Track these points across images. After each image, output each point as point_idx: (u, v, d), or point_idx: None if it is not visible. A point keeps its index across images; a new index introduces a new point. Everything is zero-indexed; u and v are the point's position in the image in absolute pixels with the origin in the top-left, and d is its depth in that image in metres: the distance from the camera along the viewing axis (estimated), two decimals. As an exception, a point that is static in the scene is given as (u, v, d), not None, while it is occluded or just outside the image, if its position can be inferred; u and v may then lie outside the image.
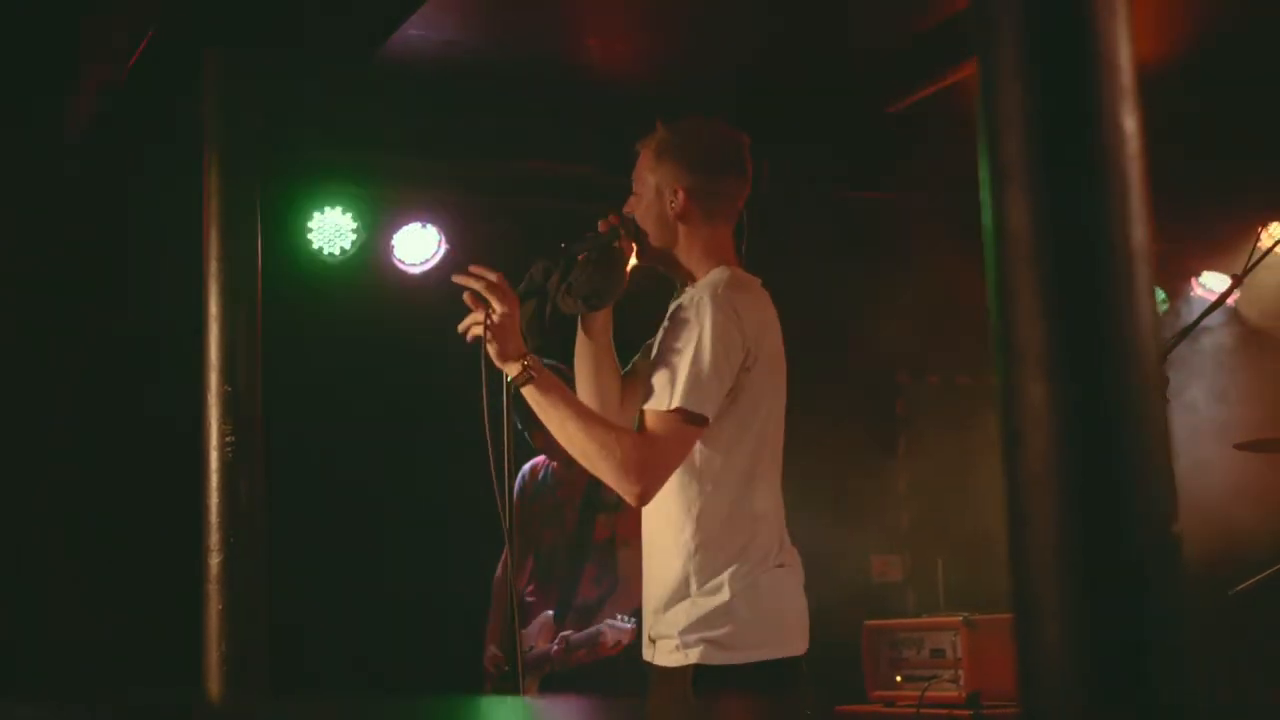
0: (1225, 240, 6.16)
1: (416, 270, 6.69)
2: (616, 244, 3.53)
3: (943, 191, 6.71)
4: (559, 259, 3.51)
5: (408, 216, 6.69)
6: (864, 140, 6.92)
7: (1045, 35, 1.59)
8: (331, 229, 6.50)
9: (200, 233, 4.42)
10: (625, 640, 5.41)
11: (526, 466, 5.83)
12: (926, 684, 5.55)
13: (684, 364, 3.35)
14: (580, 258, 3.51)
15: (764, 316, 3.50)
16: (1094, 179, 1.56)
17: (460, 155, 6.68)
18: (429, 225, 6.71)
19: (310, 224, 6.46)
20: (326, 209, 6.48)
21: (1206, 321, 4.87)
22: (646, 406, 3.40)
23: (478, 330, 3.43)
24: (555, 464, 5.75)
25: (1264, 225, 5.66)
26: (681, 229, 3.55)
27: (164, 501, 5.20)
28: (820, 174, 7.14)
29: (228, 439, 4.21)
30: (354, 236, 6.52)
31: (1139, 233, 1.56)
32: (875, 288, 6.98)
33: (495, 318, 3.40)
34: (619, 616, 5.45)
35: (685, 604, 3.44)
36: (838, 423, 7.00)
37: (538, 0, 5.84)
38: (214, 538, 4.23)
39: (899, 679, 5.79)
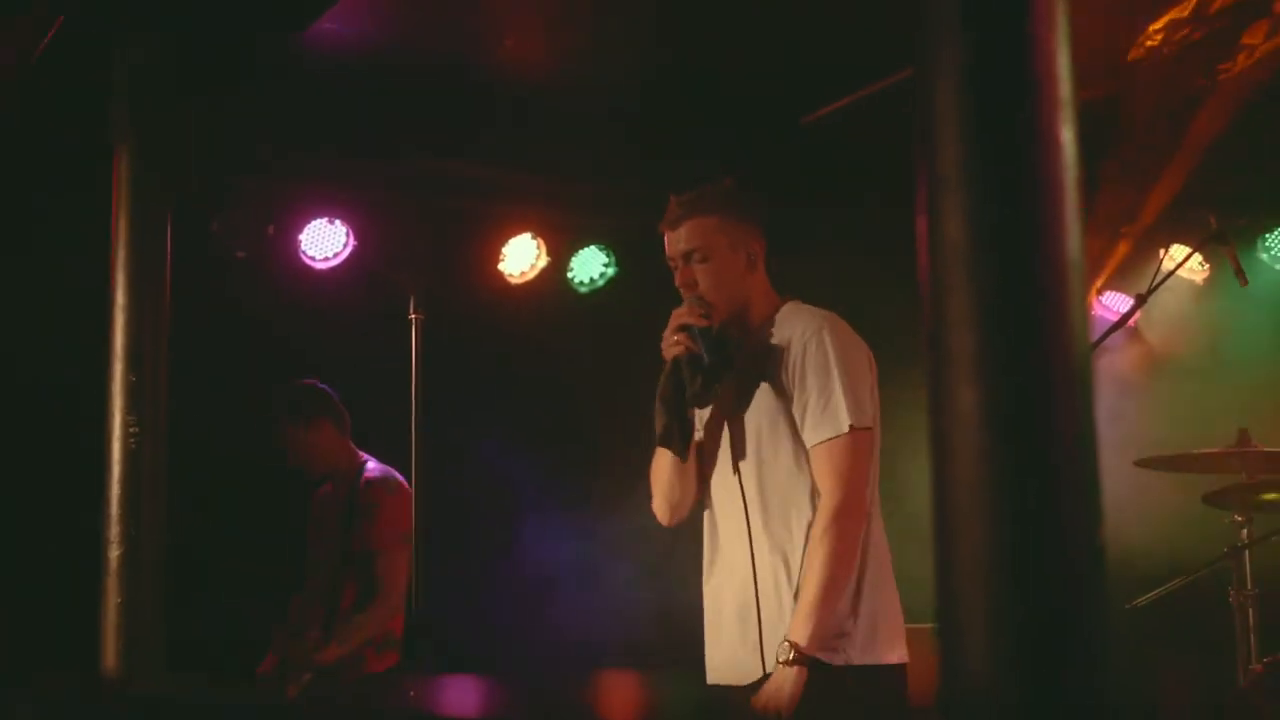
0: (1128, 261, 6.22)
1: (323, 265, 6.64)
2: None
3: (856, 204, 6.78)
4: (678, 364, 3.78)
5: (315, 211, 6.64)
6: (776, 151, 6.94)
7: (984, 46, 1.60)
8: (239, 222, 6.43)
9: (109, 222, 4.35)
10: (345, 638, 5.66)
11: (320, 489, 6.06)
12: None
13: (833, 385, 3.65)
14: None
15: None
16: (1030, 189, 1.57)
17: (370, 152, 6.64)
18: (336, 221, 6.67)
19: (217, 215, 6.39)
20: (234, 201, 6.41)
21: (1107, 342, 4.94)
22: (813, 443, 3.66)
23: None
24: (330, 486, 6.00)
25: (1166, 247, 5.73)
26: (750, 282, 3.84)
27: (65, 492, 5.14)
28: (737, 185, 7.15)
29: (131, 429, 4.15)
30: (260, 230, 6.46)
31: (1073, 243, 1.58)
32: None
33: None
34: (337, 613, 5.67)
35: None
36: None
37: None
38: (114, 530, 4.15)
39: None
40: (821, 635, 3.55)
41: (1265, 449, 5.10)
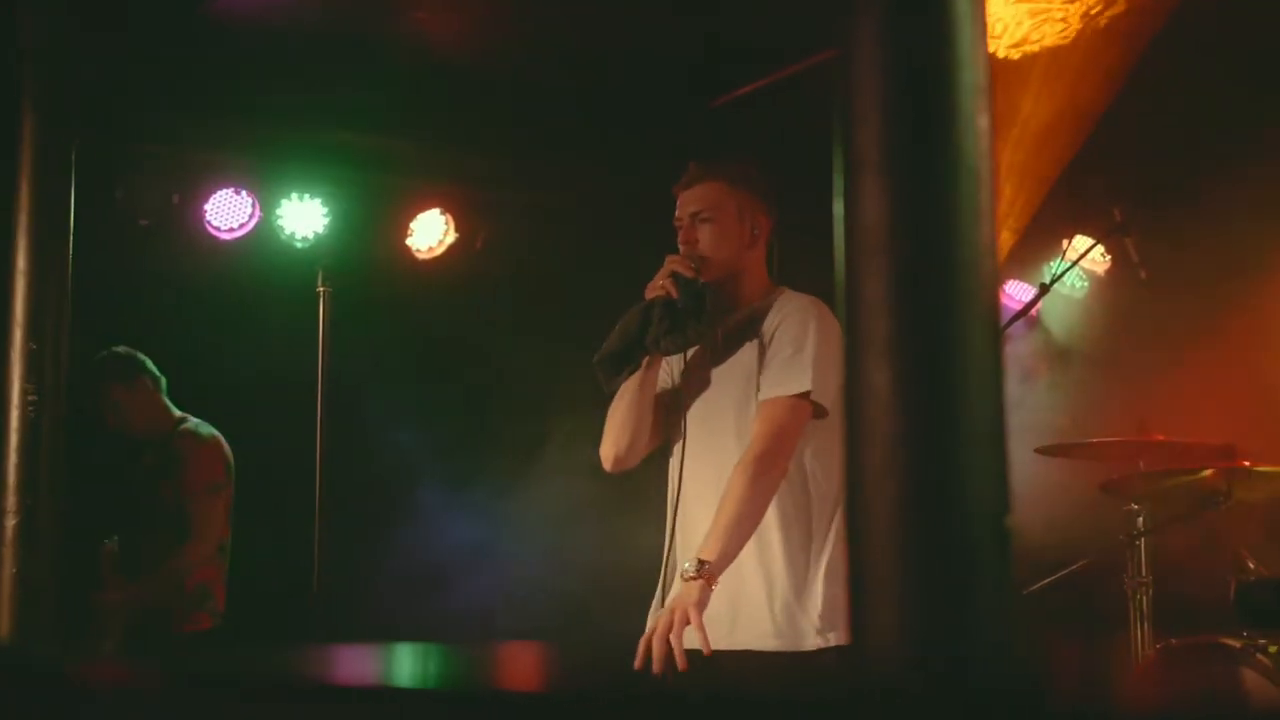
0: (1031, 249, 6.28)
1: (228, 237, 6.58)
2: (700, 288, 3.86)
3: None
4: (653, 304, 3.84)
5: (221, 182, 6.57)
6: (687, 132, 6.94)
7: (902, 29, 1.61)
8: (143, 190, 6.36)
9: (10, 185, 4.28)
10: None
11: None
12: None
13: (804, 355, 3.73)
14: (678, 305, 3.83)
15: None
16: (946, 173, 1.58)
17: (278, 123, 6.58)
18: (243, 192, 6.61)
19: (120, 183, 6.31)
20: (138, 168, 6.34)
21: (1009, 330, 4.98)
22: (766, 396, 3.75)
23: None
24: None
25: (1069, 237, 5.79)
26: (748, 258, 3.96)
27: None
28: (644, 163, 7.15)
29: (30, 398, 4.09)
30: (165, 199, 6.39)
31: (986, 228, 1.59)
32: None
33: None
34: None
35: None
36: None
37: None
38: (10, 500, 4.09)
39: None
40: (727, 557, 3.63)
41: (1162, 439, 5.17)
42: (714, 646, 3.57)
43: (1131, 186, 5.58)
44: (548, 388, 6.81)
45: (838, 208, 1.63)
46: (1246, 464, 4.82)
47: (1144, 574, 5.03)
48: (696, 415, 3.96)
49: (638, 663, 3.63)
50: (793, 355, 3.76)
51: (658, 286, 3.84)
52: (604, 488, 6.16)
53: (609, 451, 4.06)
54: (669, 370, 4.06)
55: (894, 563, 1.54)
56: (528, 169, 7.19)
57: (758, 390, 3.81)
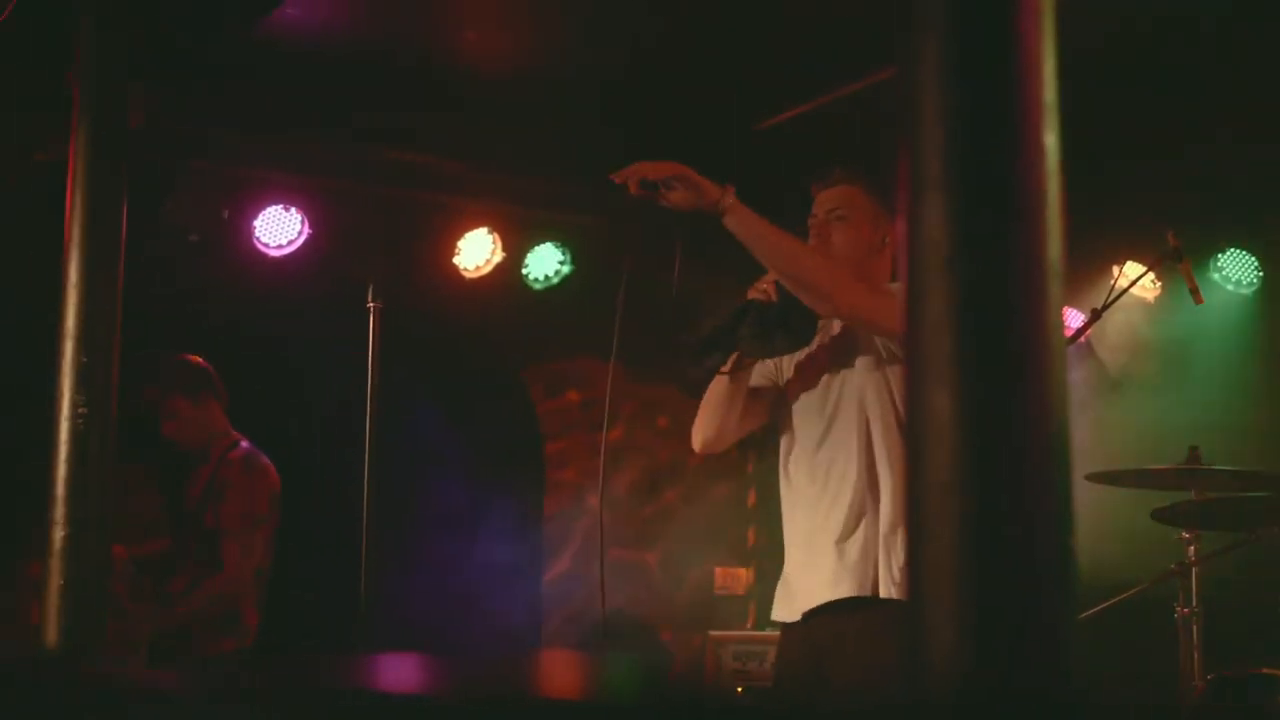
0: (1081, 276, 6.24)
1: (278, 253, 6.59)
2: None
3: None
4: (750, 304, 3.89)
5: (271, 198, 6.59)
6: (732, 155, 6.92)
7: (969, 45, 1.59)
8: (193, 207, 6.38)
9: (64, 198, 4.30)
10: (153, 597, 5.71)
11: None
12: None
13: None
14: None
15: None
16: (1011, 191, 1.56)
17: (327, 140, 6.59)
18: (292, 209, 6.62)
19: (168, 200, 6.33)
20: (188, 185, 6.36)
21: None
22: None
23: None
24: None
25: (1120, 263, 5.75)
26: (874, 264, 4.08)
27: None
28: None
29: (80, 410, 4.10)
30: (216, 214, 6.41)
31: (1053, 248, 1.57)
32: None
33: (673, 182, 3.91)
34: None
35: None
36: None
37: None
38: (59, 511, 4.10)
39: (740, 690, 5.82)
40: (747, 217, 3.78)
41: (1214, 467, 5.12)
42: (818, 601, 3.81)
43: (1184, 211, 5.53)
44: (596, 404, 6.81)
45: (901, 226, 1.61)
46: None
47: (1195, 604, 4.98)
48: (808, 409, 4.02)
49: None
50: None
51: (760, 289, 3.91)
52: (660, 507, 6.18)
53: (699, 436, 4.18)
54: (776, 363, 4.14)
55: (956, 587, 1.52)
56: (574, 189, 7.19)
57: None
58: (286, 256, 6.58)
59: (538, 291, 7.10)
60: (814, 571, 3.94)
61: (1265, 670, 4.71)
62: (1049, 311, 1.55)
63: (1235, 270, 6.68)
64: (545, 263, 7.18)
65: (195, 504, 5.86)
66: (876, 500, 3.87)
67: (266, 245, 6.58)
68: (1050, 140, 1.58)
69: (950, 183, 1.58)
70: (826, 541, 3.90)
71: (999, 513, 1.52)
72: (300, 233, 6.62)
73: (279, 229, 6.60)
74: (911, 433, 1.57)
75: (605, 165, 6.88)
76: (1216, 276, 6.67)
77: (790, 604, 4.06)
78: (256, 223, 6.55)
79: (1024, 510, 1.52)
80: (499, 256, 7.07)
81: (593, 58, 6.25)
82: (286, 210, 6.61)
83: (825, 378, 4.03)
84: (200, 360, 6.01)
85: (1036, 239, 1.56)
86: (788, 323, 3.85)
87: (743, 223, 3.75)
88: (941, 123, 1.59)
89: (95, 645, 4.09)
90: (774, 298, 3.86)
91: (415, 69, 6.24)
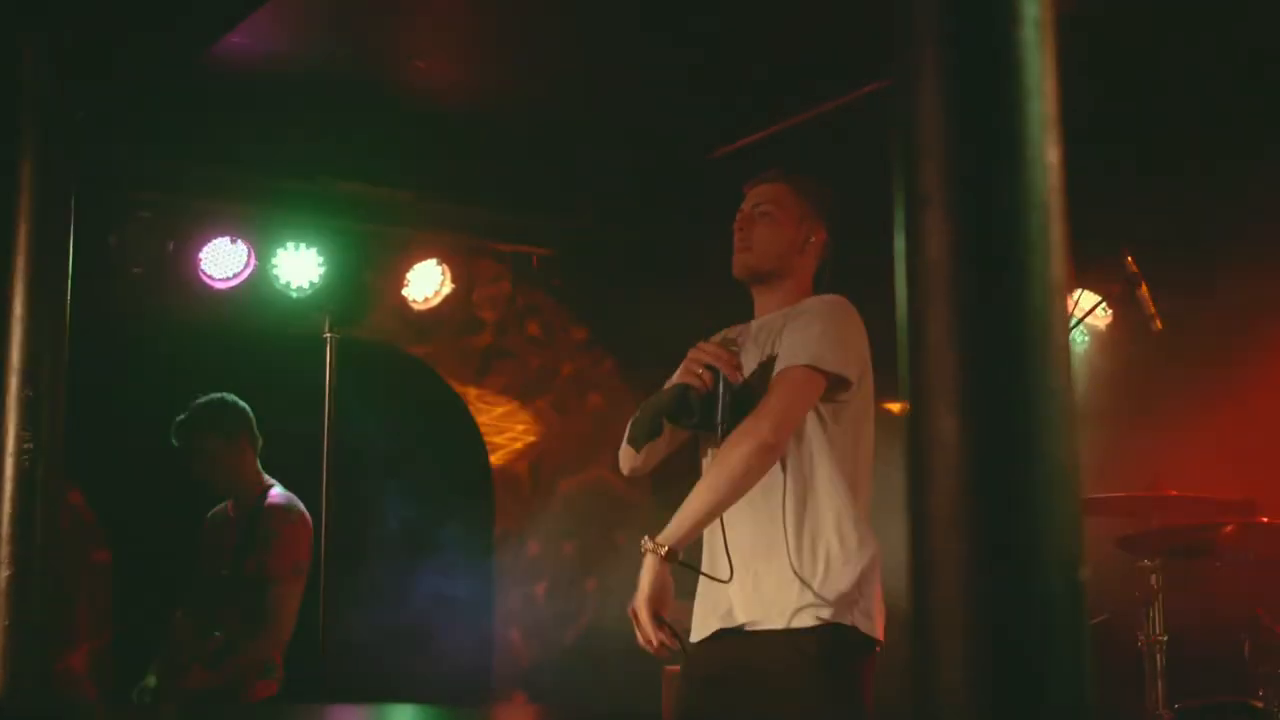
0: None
1: (224, 285, 6.51)
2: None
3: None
4: (687, 392, 3.81)
5: (217, 230, 6.50)
6: (679, 183, 6.89)
7: (968, 58, 1.54)
8: (137, 238, 6.28)
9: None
10: (211, 658, 5.55)
11: (216, 509, 5.87)
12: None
13: (813, 330, 3.76)
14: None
15: (866, 343, 3.89)
16: (1014, 208, 1.50)
17: (274, 171, 6.52)
18: (239, 241, 6.54)
19: (113, 231, 6.23)
20: (132, 217, 6.26)
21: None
22: (778, 369, 3.74)
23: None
24: (229, 505, 5.87)
25: (1073, 292, 5.72)
26: (796, 262, 4.00)
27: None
28: (639, 213, 7.10)
29: (25, 446, 3.99)
30: (159, 247, 6.32)
31: (1057, 266, 1.51)
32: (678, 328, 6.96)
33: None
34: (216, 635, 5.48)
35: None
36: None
37: (366, 17, 5.70)
38: (3, 550, 3.99)
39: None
40: (679, 538, 3.64)
41: (1175, 494, 5.09)
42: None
43: (1143, 234, 5.51)
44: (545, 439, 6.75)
45: (898, 243, 1.55)
46: (1265, 520, 4.73)
47: (1159, 632, 4.93)
48: (729, 413, 3.88)
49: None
50: (804, 329, 3.78)
51: (695, 373, 3.82)
52: (599, 540, 6.11)
53: (627, 463, 4.10)
54: None
55: (963, 620, 1.46)
56: (523, 221, 7.14)
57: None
58: (233, 288, 6.50)
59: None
60: (724, 592, 3.84)
61: (1230, 699, 4.68)
62: (1056, 332, 1.50)
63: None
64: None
65: (231, 551, 5.72)
66: (800, 526, 3.77)
67: (212, 278, 6.49)
68: (1053, 155, 1.53)
69: (950, 200, 1.52)
70: (740, 562, 3.80)
71: (1009, 546, 1.46)
72: (246, 265, 6.54)
73: (225, 261, 6.52)
74: (915, 461, 1.50)
75: (554, 196, 6.88)
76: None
77: (699, 623, 3.95)
78: (202, 255, 6.47)
79: (1035, 542, 1.46)
80: (448, 288, 7.00)
81: (542, 89, 6.20)
82: (233, 243, 6.53)
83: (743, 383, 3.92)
84: (237, 400, 5.87)
85: (1042, 256, 1.51)
86: (733, 411, 3.78)
87: (682, 537, 3.67)
88: (940, 138, 1.53)
89: (41, 688, 3.98)
90: (708, 383, 3.80)
91: (362, 98, 6.17)
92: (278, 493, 5.79)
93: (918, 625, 1.49)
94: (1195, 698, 4.81)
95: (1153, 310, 4.87)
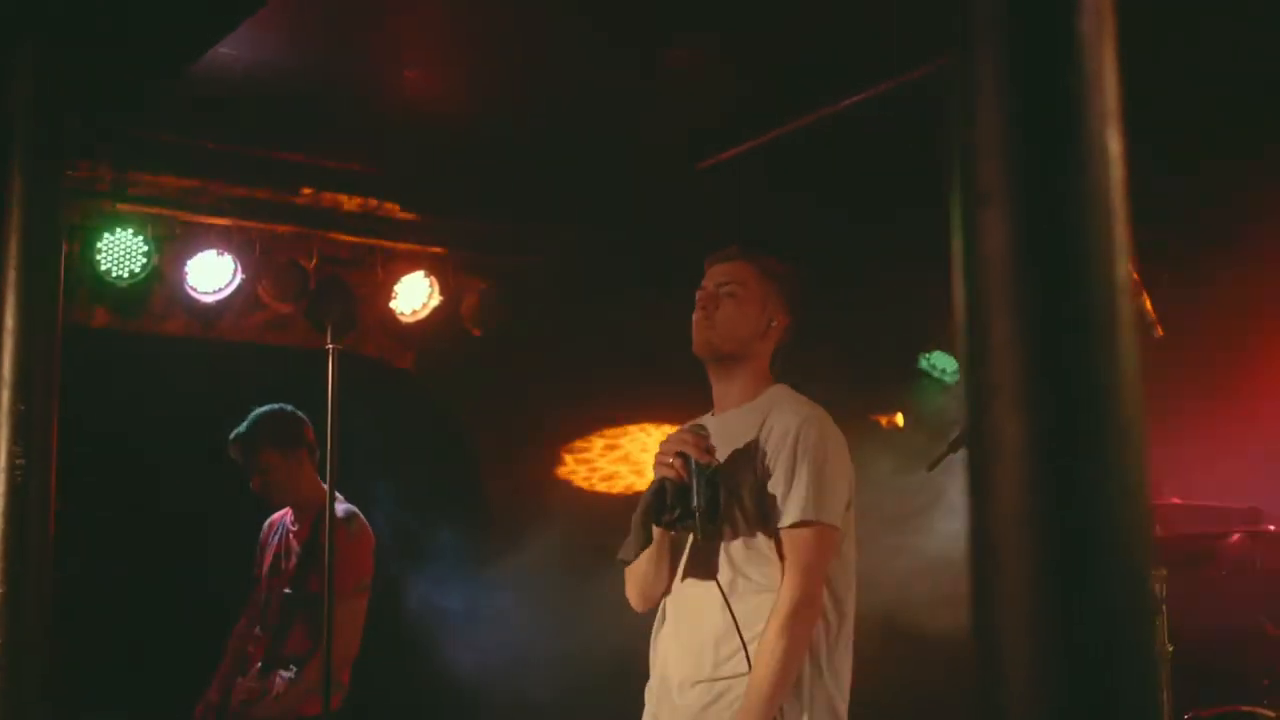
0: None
1: (210, 299, 6.44)
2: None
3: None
4: (664, 486, 3.77)
5: (203, 243, 6.44)
6: (669, 194, 6.85)
7: (1028, 49, 1.49)
8: (121, 250, 6.21)
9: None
10: (282, 691, 5.39)
11: (275, 515, 5.79)
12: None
13: (807, 479, 3.72)
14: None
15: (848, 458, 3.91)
16: (1077, 204, 1.45)
17: (262, 183, 6.46)
18: (226, 254, 6.47)
19: (100, 244, 6.16)
20: (118, 229, 6.19)
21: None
22: (783, 525, 3.72)
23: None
24: (289, 514, 5.78)
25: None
26: (757, 347, 3.96)
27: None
28: (624, 225, 7.06)
29: (18, 460, 3.92)
30: (144, 260, 6.25)
31: (1121, 263, 1.46)
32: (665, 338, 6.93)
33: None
34: (290, 668, 5.39)
35: None
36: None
37: (355, 28, 5.64)
38: (-5, 566, 3.93)
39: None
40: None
41: (1179, 502, 5.05)
42: None
43: (1142, 239, 5.47)
44: (532, 450, 6.72)
45: (956, 244, 1.50)
46: (1271, 528, 4.70)
47: (1164, 643, 4.88)
48: (705, 496, 3.84)
49: None
50: (807, 481, 3.75)
51: (666, 465, 3.78)
52: (590, 553, 6.07)
53: (637, 599, 4.05)
54: None
55: (1028, 629, 1.41)
56: (511, 231, 7.09)
57: (776, 501, 3.78)
58: (220, 301, 6.44)
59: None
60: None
61: (1239, 708, 4.64)
62: (1123, 331, 1.45)
63: None
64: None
65: (293, 563, 5.62)
66: (735, 648, 3.78)
67: (198, 291, 6.43)
68: (1114, 147, 1.48)
69: (1011, 197, 1.47)
70: (685, 681, 3.84)
71: (1077, 554, 1.41)
72: (234, 277, 6.48)
73: (212, 274, 6.46)
74: (977, 468, 1.45)
75: (541, 207, 6.82)
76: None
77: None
78: (189, 267, 6.40)
79: (1104, 551, 1.41)
80: (436, 300, 6.95)
81: (531, 99, 6.16)
82: (220, 255, 6.47)
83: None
84: (295, 412, 5.76)
85: (1105, 253, 1.46)
86: (711, 494, 3.75)
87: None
88: (1000, 134, 1.48)
89: (34, 708, 3.91)
90: (683, 475, 3.76)
91: (352, 110, 6.12)
92: (341, 505, 5.66)
93: (980, 633, 1.44)
94: (1202, 709, 4.77)
95: (1154, 317, 4.82)
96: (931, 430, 4.06)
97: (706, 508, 3.72)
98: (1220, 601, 5.08)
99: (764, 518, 3.78)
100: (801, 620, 3.67)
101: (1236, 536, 4.67)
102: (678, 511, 3.76)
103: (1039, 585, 1.41)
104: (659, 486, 3.80)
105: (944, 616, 5.42)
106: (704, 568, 3.83)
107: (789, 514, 3.73)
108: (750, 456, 3.83)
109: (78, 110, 4.56)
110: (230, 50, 5.47)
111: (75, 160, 4.78)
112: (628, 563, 3.96)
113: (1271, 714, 4.54)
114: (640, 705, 3.97)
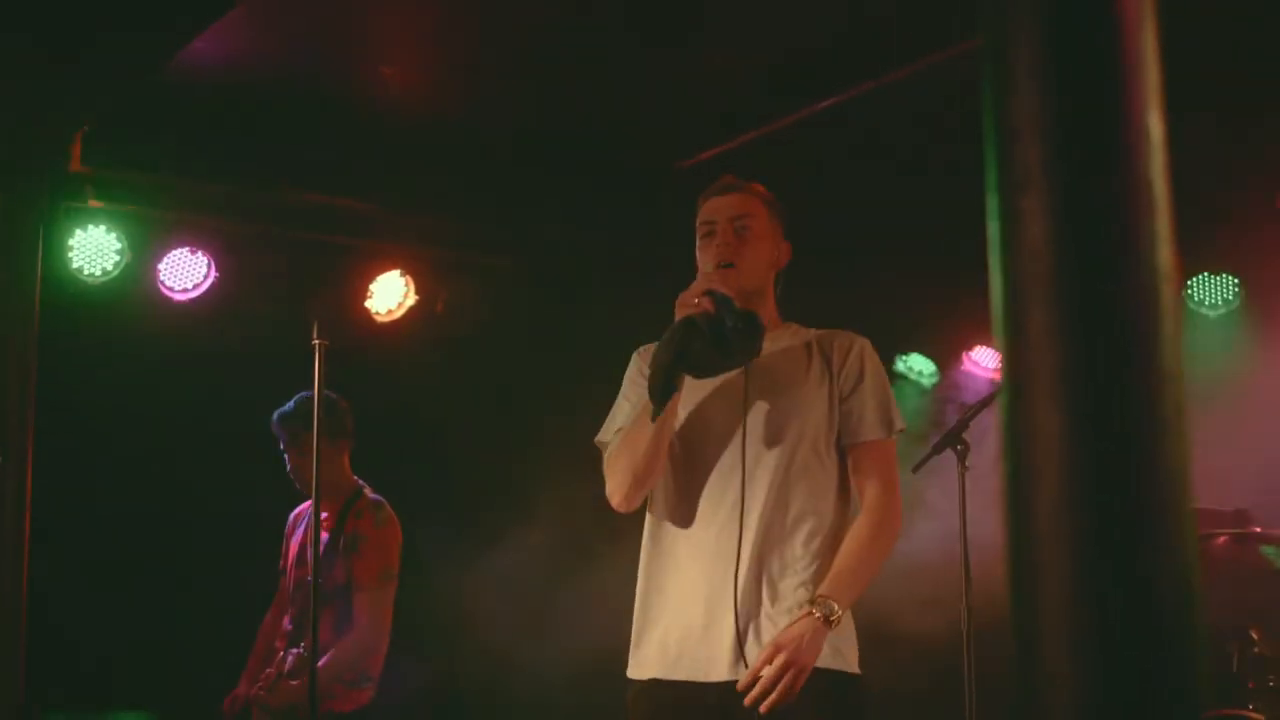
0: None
1: (183, 297, 6.36)
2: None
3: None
4: (691, 322, 3.50)
5: (177, 241, 6.36)
6: (650, 193, 6.81)
7: (1066, 27, 1.44)
8: (94, 248, 6.12)
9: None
10: (296, 668, 5.41)
11: (300, 507, 5.72)
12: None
13: (884, 395, 3.75)
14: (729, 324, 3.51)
15: None
16: (1118, 189, 1.41)
17: (236, 180, 6.39)
18: (199, 252, 6.39)
19: (71, 241, 6.07)
20: (90, 227, 6.10)
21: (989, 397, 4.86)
22: (869, 439, 3.71)
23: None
24: (321, 500, 5.62)
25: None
26: (771, 278, 3.84)
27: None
28: (604, 224, 7.02)
29: (-5, 461, 3.87)
30: (117, 258, 6.16)
31: (1164, 250, 1.42)
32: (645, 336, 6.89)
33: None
34: (301, 646, 5.33)
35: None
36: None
37: (332, 25, 5.58)
38: (-27, 564, 3.88)
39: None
40: (848, 603, 3.59)
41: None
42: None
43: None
44: (510, 450, 6.68)
45: (993, 230, 1.46)
46: (1258, 530, 4.68)
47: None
48: (752, 426, 3.69)
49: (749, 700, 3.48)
50: (885, 397, 3.76)
51: (693, 303, 3.55)
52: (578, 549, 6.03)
53: (625, 484, 3.73)
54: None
55: (1068, 630, 1.37)
56: (489, 231, 7.04)
57: (852, 418, 3.73)
58: (193, 299, 6.36)
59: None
60: (694, 633, 3.65)
61: (1226, 711, 4.63)
62: (1166, 321, 1.40)
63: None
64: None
65: (320, 555, 5.51)
66: (780, 568, 3.63)
67: (172, 289, 6.35)
68: (1156, 128, 1.43)
69: (1051, 183, 1.42)
70: (717, 605, 3.62)
71: (1118, 545, 1.37)
72: (206, 276, 6.40)
73: (185, 272, 6.38)
74: (1015, 458, 1.41)
75: (520, 206, 6.78)
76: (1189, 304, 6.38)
77: (656, 662, 3.72)
78: (161, 266, 6.32)
79: (1146, 546, 1.37)
80: (411, 299, 6.88)
81: (509, 97, 6.12)
82: (193, 253, 6.39)
83: (732, 415, 3.72)
84: (338, 398, 5.64)
85: (1148, 240, 1.41)
86: (749, 324, 3.52)
87: (846, 602, 3.61)
88: (1039, 117, 1.43)
89: (11, 708, 3.87)
90: (710, 309, 3.49)
91: (326, 108, 6.06)
92: (369, 496, 5.63)
93: (1018, 627, 1.40)
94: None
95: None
96: (910, 433, 4.03)
97: (745, 328, 3.50)
98: (1207, 605, 5.06)
99: (827, 438, 3.71)
100: (895, 526, 3.71)
101: (1223, 539, 4.65)
102: (711, 346, 3.48)
103: (1076, 586, 1.37)
104: (682, 325, 3.52)
105: (925, 618, 5.39)
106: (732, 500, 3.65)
107: (872, 429, 3.71)
108: (802, 379, 3.72)
109: (51, 108, 4.51)
110: (205, 46, 5.41)
111: (48, 158, 4.70)
112: (656, 407, 3.57)
113: (1258, 717, 4.52)
114: (622, 703, 3.80)
